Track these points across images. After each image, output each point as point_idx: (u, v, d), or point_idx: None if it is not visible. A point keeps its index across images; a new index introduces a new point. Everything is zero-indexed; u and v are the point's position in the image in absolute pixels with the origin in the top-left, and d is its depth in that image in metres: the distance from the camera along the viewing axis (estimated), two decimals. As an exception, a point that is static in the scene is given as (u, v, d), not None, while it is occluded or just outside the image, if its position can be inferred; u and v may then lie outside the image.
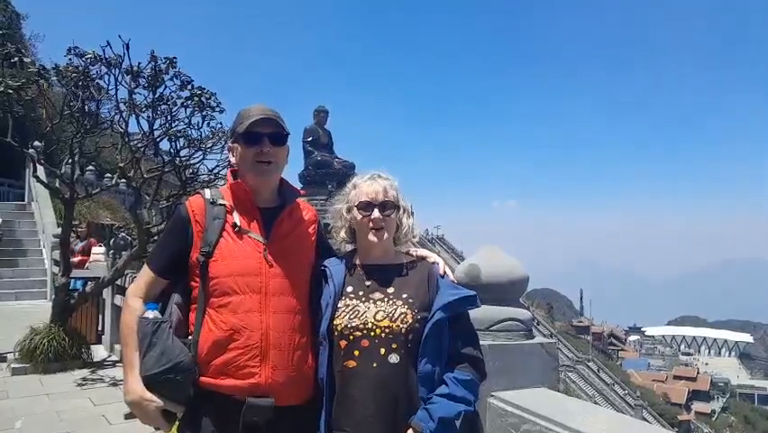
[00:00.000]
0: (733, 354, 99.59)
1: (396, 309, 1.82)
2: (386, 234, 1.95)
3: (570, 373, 41.86)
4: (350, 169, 34.42)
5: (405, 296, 1.86)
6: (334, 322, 1.85)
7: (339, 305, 1.88)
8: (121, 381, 6.58)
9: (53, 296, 9.73)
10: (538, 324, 46.37)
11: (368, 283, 1.92)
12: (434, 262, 2.00)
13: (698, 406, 59.61)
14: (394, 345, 1.78)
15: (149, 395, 1.79)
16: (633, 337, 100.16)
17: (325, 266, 1.99)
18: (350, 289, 1.92)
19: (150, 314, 1.87)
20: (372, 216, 1.92)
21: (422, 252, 2.05)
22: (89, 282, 8.62)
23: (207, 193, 2.03)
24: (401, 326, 1.79)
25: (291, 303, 1.91)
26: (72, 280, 8.70)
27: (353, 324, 1.82)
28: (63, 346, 7.28)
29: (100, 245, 11.98)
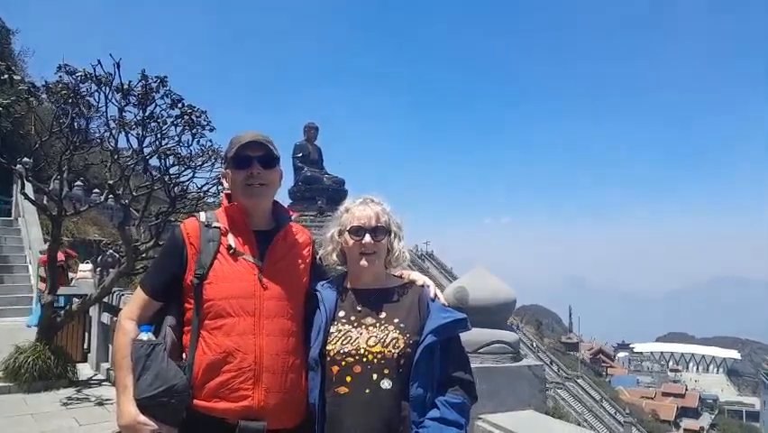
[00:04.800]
0: (721, 370, 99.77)
1: (387, 335, 1.84)
2: (377, 260, 1.97)
3: (559, 390, 41.75)
4: (339, 184, 34.54)
5: (396, 321, 1.88)
6: (327, 348, 1.86)
7: (331, 330, 1.89)
8: (107, 400, 6.51)
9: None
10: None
11: (359, 308, 1.93)
12: (424, 286, 2.00)
13: (687, 423, 59.63)
14: (386, 371, 1.79)
15: (143, 418, 1.78)
16: (622, 354, 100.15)
17: (317, 290, 2.00)
18: (342, 314, 1.93)
19: (145, 336, 1.87)
20: (363, 241, 1.94)
21: (413, 275, 2.06)
22: (75, 299, 8.51)
23: (202, 216, 2.05)
24: (393, 351, 1.81)
25: (285, 325, 1.92)
26: (60, 297, 8.60)
27: (346, 350, 1.83)
28: (48, 365, 7.17)
29: (87, 262, 11.89)
